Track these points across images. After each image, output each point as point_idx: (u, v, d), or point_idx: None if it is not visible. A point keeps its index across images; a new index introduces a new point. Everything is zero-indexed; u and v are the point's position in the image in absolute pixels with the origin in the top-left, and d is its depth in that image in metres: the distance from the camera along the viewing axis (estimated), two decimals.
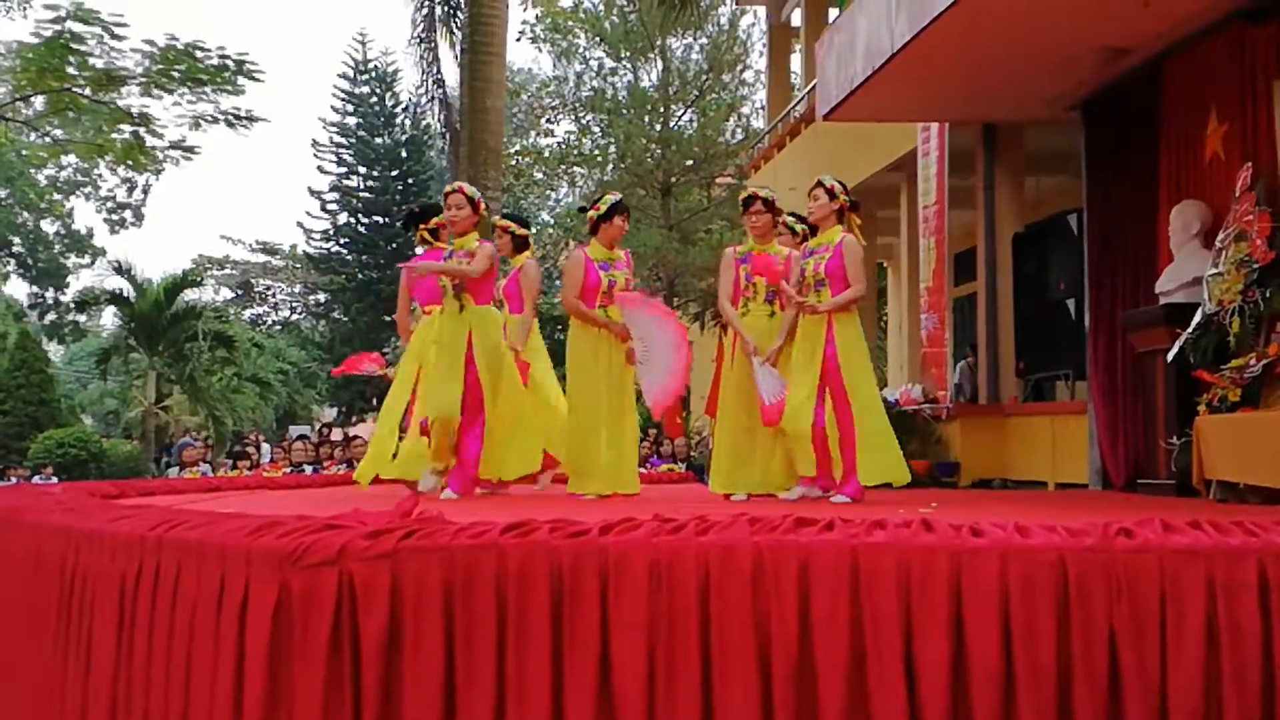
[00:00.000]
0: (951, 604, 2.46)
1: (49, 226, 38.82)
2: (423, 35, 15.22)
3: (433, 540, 2.57)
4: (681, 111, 24.22)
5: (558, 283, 27.97)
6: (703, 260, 21.12)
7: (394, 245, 34.72)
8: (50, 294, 39.07)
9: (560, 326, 25.98)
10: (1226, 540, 2.52)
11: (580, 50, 24.43)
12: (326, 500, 4.85)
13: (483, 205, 5.75)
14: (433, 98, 15.87)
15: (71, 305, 35.40)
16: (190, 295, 26.99)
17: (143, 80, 18.10)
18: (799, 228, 6.43)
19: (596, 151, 24.68)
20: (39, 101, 19.97)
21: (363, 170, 35.83)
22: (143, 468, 21.84)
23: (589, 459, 5.65)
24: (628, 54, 23.64)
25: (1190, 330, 5.94)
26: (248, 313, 38.78)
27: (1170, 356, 6.09)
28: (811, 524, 2.64)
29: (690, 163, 23.16)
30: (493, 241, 5.98)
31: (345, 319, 35.12)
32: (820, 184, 5.56)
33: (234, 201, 77.27)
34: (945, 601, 2.46)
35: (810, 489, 5.44)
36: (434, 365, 5.66)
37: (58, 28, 17.22)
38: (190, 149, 20.13)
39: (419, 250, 6.57)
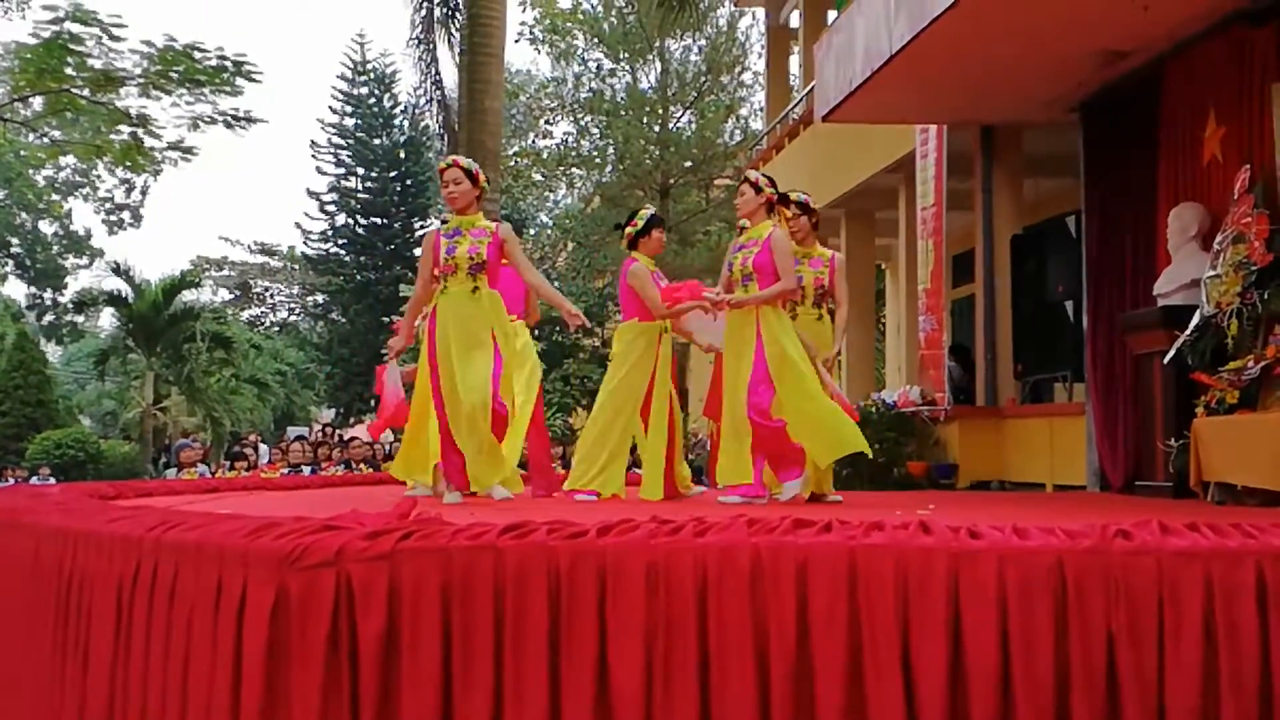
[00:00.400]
0: (949, 606, 2.46)
1: (47, 227, 38.84)
2: (421, 36, 15.21)
3: (431, 541, 2.57)
4: (680, 113, 24.24)
5: (558, 283, 28.00)
6: (701, 262, 21.12)
7: (392, 246, 34.72)
8: (48, 295, 39.08)
9: (557, 327, 25.99)
10: (1224, 542, 2.52)
11: (579, 51, 24.44)
12: (325, 501, 4.85)
13: (482, 176, 5.46)
14: (431, 99, 15.87)
15: (69, 306, 35.43)
16: (188, 296, 27.06)
17: (141, 81, 18.11)
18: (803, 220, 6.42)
19: (595, 153, 24.70)
20: (37, 102, 19.98)
21: (361, 171, 35.80)
22: (140, 469, 21.85)
23: (605, 460, 5.63)
24: (626, 55, 23.66)
25: (1188, 332, 5.94)
26: (246, 314, 38.79)
27: (1168, 359, 6.09)
28: (810, 525, 2.64)
29: (689, 164, 23.19)
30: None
31: (343, 320, 35.10)
32: (745, 179, 5.53)
33: (232, 202, 77.44)
34: (943, 603, 2.46)
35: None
36: (458, 353, 5.14)
37: (56, 28, 17.23)
38: (188, 150, 20.16)
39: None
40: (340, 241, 35.75)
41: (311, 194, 35.90)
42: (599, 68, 24.36)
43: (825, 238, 11.36)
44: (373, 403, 30.81)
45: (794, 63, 17.26)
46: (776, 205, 5.51)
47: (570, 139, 25.18)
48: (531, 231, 28.11)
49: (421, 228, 35.65)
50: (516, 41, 26.37)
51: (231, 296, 38.77)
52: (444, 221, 5.57)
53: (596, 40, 23.92)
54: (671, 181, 23.53)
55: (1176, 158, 6.95)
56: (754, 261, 5.33)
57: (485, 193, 5.45)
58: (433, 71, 15.36)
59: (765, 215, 5.46)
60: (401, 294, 26.13)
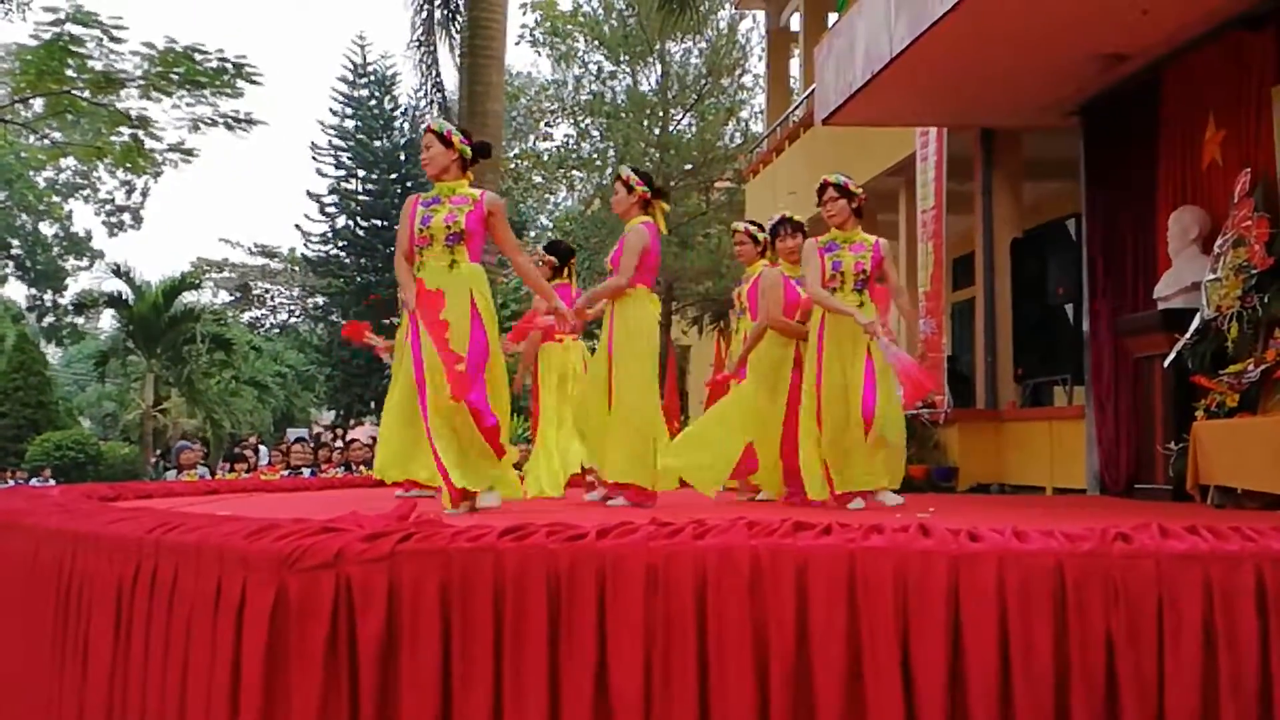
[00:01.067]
0: (949, 609, 2.46)
1: (48, 229, 38.81)
2: (422, 38, 15.21)
3: (430, 543, 2.57)
4: (680, 115, 24.23)
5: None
6: (701, 264, 21.13)
7: (392, 249, 34.66)
8: (49, 296, 39.05)
9: None
10: (1224, 545, 2.52)
11: (579, 54, 24.43)
12: (324, 503, 4.84)
13: (457, 138, 4.75)
14: (432, 101, 15.87)
15: (70, 308, 35.45)
16: (188, 298, 27.07)
17: (142, 83, 18.11)
18: (761, 236, 6.41)
19: (595, 155, 24.69)
20: (38, 104, 19.99)
21: (361, 173, 35.77)
22: (140, 470, 21.85)
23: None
24: (627, 58, 23.65)
25: (1188, 336, 5.94)
26: (246, 315, 38.78)
27: (1168, 362, 6.09)
28: (809, 528, 2.64)
29: (689, 167, 23.18)
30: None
31: (343, 322, 35.08)
32: (618, 176, 5.53)
33: (232, 204, 77.49)
34: (943, 606, 2.46)
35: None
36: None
37: (57, 30, 17.24)
38: (189, 151, 20.19)
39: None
40: (340, 244, 35.73)
41: (312, 196, 35.90)
42: (599, 70, 24.35)
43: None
44: (373, 404, 30.87)
45: (794, 65, 17.28)
46: (654, 201, 5.49)
47: (571, 141, 25.18)
48: (532, 234, 28.14)
49: None
50: (517, 44, 26.40)
51: (232, 298, 38.76)
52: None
53: (597, 43, 23.91)
54: (672, 184, 23.51)
55: (1176, 161, 6.95)
56: (610, 258, 5.47)
57: (467, 156, 4.78)
58: (433, 74, 15.36)
59: (639, 212, 5.44)
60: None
